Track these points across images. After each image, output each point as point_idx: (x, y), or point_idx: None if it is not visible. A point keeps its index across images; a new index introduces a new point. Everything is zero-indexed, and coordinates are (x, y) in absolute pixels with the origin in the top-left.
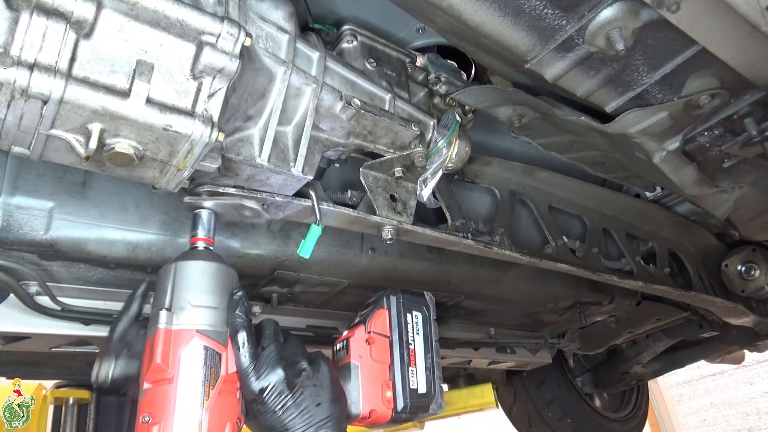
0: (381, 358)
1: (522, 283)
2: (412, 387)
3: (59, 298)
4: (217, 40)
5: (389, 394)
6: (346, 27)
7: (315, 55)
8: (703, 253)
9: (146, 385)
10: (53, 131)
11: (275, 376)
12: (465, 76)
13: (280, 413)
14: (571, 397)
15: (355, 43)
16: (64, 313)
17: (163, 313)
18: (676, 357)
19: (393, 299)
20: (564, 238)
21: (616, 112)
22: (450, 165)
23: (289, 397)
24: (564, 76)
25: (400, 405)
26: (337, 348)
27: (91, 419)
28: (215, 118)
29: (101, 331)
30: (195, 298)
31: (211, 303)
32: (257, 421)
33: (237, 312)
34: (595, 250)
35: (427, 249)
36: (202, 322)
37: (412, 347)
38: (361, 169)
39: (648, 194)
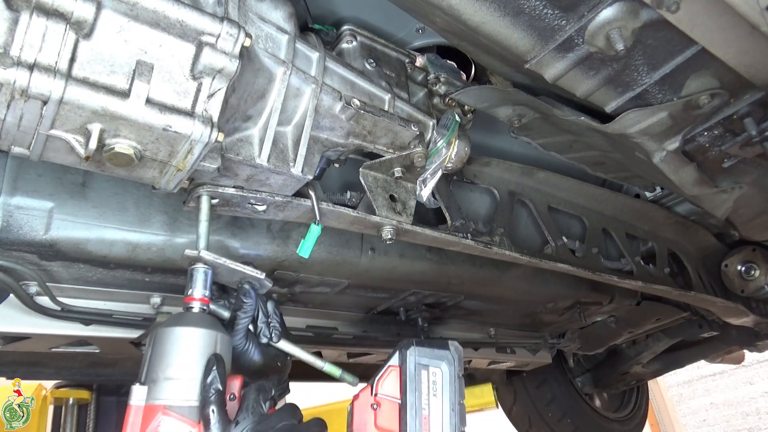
0: (388, 425)
1: (522, 283)
2: None
3: (59, 299)
4: (216, 41)
5: None
6: (345, 27)
7: (314, 56)
8: (703, 253)
9: None
10: (53, 131)
11: None
12: (465, 77)
13: None
14: (571, 397)
15: (354, 43)
16: (64, 314)
17: (135, 389)
18: (676, 357)
19: (407, 353)
20: (564, 238)
21: (615, 112)
22: (449, 165)
23: None
24: (564, 76)
25: None
26: (348, 410)
27: (91, 419)
28: (215, 119)
29: (101, 331)
30: (168, 369)
31: (186, 374)
32: None
33: (207, 382)
34: (594, 250)
35: (427, 249)
36: (174, 397)
37: (425, 413)
38: (360, 169)
39: (648, 194)
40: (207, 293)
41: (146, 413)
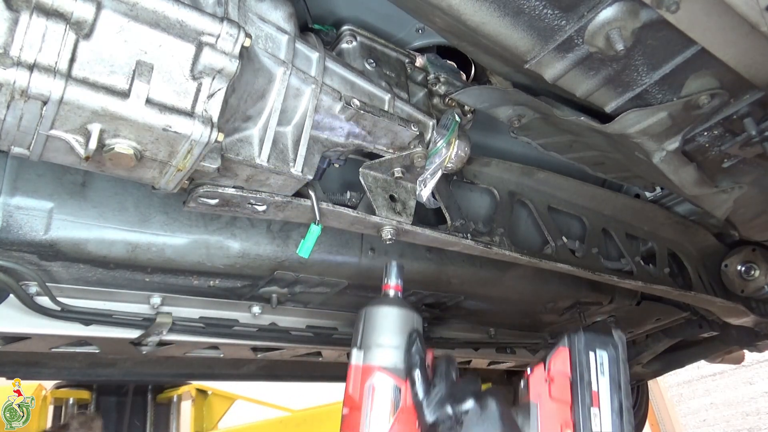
0: (561, 397)
1: (522, 283)
2: (594, 429)
3: (59, 299)
4: (216, 41)
5: None
6: (345, 27)
7: (314, 56)
8: (702, 253)
9: (344, 410)
10: (53, 132)
11: (444, 413)
12: (464, 77)
13: None
14: None
15: (354, 43)
16: (63, 314)
17: (354, 352)
18: (676, 357)
19: (575, 338)
20: (563, 238)
21: (615, 112)
22: (449, 165)
23: None
24: (563, 77)
25: None
26: (521, 386)
27: None
28: (215, 119)
29: (101, 332)
30: (380, 338)
31: (393, 343)
32: None
33: (413, 351)
34: (594, 251)
35: (426, 249)
36: (386, 360)
37: (594, 388)
38: (360, 169)
39: (648, 194)
40: (400, 283)
41: (365, 371)
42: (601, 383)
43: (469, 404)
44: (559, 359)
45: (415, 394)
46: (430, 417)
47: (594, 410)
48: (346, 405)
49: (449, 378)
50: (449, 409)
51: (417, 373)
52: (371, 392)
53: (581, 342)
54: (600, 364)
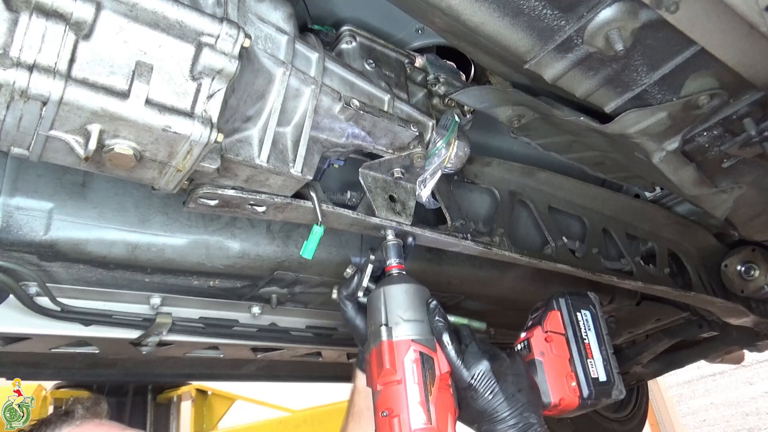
0: (560, 352)
1: (522, 283)
2: (593, 376)
3: (59, 299)
4: (216, 41)
5: (573, 383)
6: (345, 28)
7: (314, 56)
8: (702, 253)
9: (379, 387)
10: (52, 132)
11: (482, 366)
12: (464, 77)
13: (491, 398)
14: None
15: (354, 43)
16: (63, 314)
17: (383, 330)
18: (676, 357)
19: (562, 301)
20: (564, 238)
21: (615, 112)
22: (449, 165)
23: (495, 383)
24: (563, 77)
25: (585, 393)
26: (519, 348)
27: None
28: (214, 119)
29: (101, 332)
30: (405, 314)
31: (418, 317)
32: (470, 407)
33: (437, 318)
34: (594, 251)
35: (426, 249)
36: (416, 333)
37: (587, 341)
38: (360, 169)
39: (648, 194)
40: (402, 261)
41: (399, 346)
42: (590, 337)
43: (503, 356)
44: (553, 321)
45: (449, 357)
46: (469, 374)
47: (590, 361)
48: (381, 381)
49: (476, 339)
50: (486, 363)
51: (447, 337)
52: (411, 365)
53: (568, 305)
54: (586, 321)
